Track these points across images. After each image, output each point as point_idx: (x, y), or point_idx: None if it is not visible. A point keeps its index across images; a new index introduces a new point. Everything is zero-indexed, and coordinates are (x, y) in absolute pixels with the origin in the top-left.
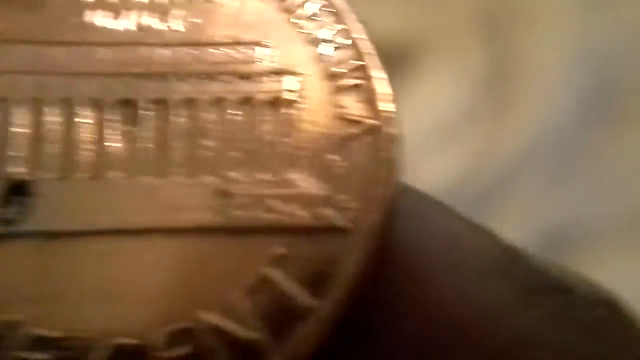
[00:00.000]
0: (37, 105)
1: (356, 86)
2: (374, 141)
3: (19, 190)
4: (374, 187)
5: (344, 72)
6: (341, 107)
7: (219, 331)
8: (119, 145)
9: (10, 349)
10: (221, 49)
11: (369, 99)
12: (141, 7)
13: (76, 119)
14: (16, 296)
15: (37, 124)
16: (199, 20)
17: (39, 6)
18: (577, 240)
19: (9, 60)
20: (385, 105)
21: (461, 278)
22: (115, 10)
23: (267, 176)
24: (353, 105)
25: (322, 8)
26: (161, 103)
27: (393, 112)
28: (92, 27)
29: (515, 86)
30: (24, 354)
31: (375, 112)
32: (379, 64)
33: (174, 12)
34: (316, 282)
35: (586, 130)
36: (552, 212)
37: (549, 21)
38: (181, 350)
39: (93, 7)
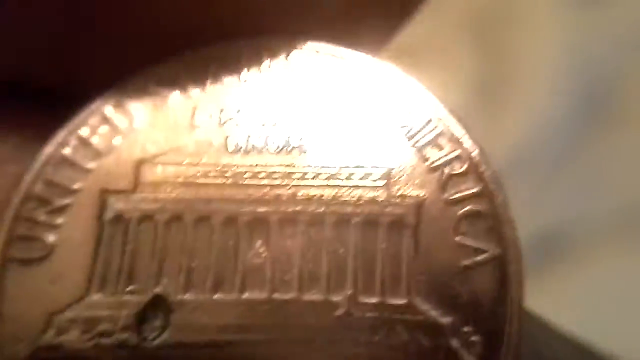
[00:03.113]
0: (181, 224)
1: (478, 213)
2: (498, 272)
3: (158, 305)
4: (500, 321)
5: (465, 198)
6: (463, 234)
7: None
8: (255, 263)
9: None
10: (351, 173)
11: (492, 226)
12: None
13: (216, 237)
14: None
15: (182, 242)
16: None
17: None
18: (570, 240)
19: None
20: (510, 235)
21: None
22: None
23: (392, 300)
24: (475, 233)
25: (441, 134)
26: (293, 222)
27: (518, 240)
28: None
29: (507, 88)
30: None
31: (498, 241)
32: (501, 189)
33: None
34: None
35: (578, 131)
36: (545, 213)
37: (541, 23)
38: None
39: None
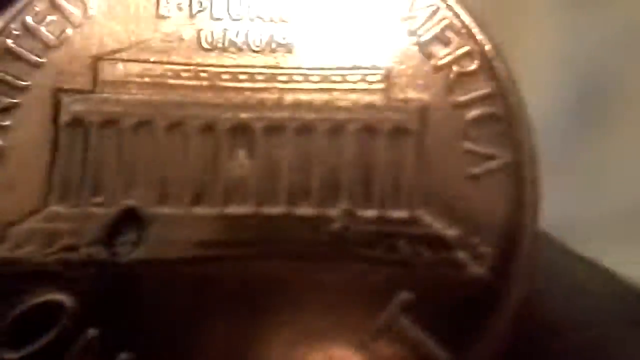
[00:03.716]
0: (151, 130)
1: (490, 116)
2: (512, 178)
3: (132, 218)
4: (513, 231)
5: (474, 101)
6: (473, 140)
7: None
8: (238, 174)
9: None
10: (345, 75)
11: (505, 131)
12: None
13: (193, 146)
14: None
15: (154, 150)
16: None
17: None
18: (568, 242)
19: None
20: (525, 139)
21: (599, 332)
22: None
23: (393, 213)
24: (486, 138)
25: (449, 27)
26: (279, 130)
27: (534, 145)
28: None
29: None
30: None
31: (512, 146)
32: (516, 90)
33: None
34: (451, 334)
35: (574, 134)
36: (543, 215)
37: (535, 25)
38: None
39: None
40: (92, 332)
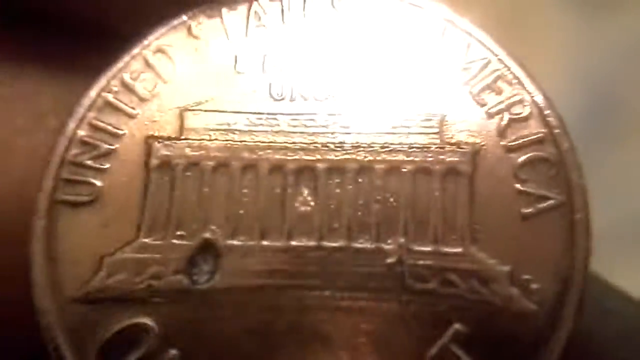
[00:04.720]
0: (227, 171)
1: (541, 159)
2: (564, 219)
3: (209, 250)
4: (565, 270)
5: (525, 145)
6: (524, 181)
7: None
8: (303, 211)
9: None
10: (401, 119)
11: (557, 173)
12: None
13: (261, 185)
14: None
15: (229, 189)
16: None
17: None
18: None
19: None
20: (577, 181)
21: None
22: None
23: (446, 249)
24: (538, 180)
25: (500, 76)
26: (340, 171)
27: (584, 188)
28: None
29: None
30: None
31: (564, 187)
32: (566, 134)
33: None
34: None
35: (584, 142)
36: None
37: (549, 36)
38: None
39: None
40: (173, 352)
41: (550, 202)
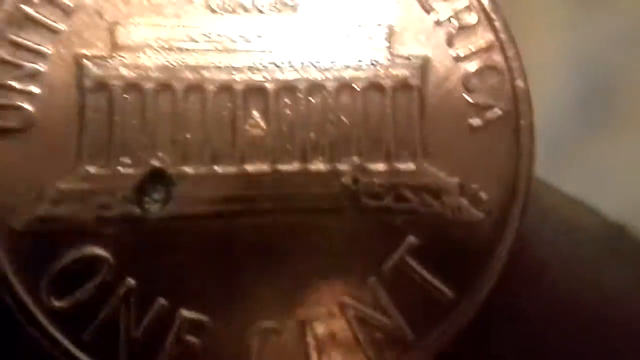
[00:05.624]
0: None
1: (488, 68)
2: (509, 128)
3: (159, 178)
4: (511, 178)
5: (473, 53)
6: (471, 92)
7: (357, 317)
8: (254, 134)
9: None
10: (350, 33)
11: (503, 81)
12: None
13: (208, 108)
14: None
15: (173, 112)
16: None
17: None
18: None
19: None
20: (522, 88)
21: (581, 266)
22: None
23: (399, 165)
24: (484, 90)
25: None
26: (290, 90)
27: (528, 93)
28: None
29: None
30: None
31: (508, 97)
32: (513, 42)
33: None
34: (455, 275)
35: (578, 132)
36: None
37: (543, 23)
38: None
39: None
40: (129, 282)
41: (498, 111)
